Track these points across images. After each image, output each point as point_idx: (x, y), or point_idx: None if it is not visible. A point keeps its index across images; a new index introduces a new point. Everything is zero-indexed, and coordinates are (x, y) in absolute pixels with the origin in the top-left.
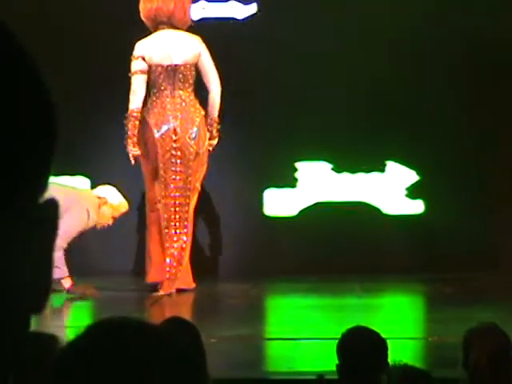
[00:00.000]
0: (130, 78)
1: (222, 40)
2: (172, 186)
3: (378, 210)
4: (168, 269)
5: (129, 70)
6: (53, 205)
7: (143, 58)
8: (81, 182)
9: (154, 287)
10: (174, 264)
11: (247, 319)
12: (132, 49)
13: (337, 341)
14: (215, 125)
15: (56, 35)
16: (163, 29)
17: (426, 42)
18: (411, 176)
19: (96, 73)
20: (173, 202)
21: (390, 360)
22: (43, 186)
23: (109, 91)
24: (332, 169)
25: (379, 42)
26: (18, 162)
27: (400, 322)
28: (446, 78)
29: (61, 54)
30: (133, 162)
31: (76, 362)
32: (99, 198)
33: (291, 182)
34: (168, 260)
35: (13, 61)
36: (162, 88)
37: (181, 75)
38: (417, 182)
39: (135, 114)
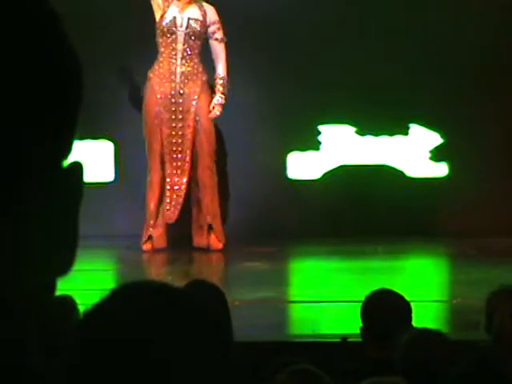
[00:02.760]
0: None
1: None
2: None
3: (401, 172)
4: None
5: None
6: (78, 167)
7: None
8: (104, 146)
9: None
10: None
11: (271, 282)
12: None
13: (361, 303)
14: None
15: None
16: None
17: (451, 4)
18: (435, 138)
19: (120, 33)
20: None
21: (413, 323)
22: (68, 148)
23: (134, 52)
24: (355, 132)
25: (402, 4)
26: (41, 123)
27: (423, 284)
28: (472, 40)
29: (79, 16)
30: None
31: (103, 325)
32: None
33: (315, 145)
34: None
35: (41, 20)
36: None
37: None
38: (440, 144)
39: None
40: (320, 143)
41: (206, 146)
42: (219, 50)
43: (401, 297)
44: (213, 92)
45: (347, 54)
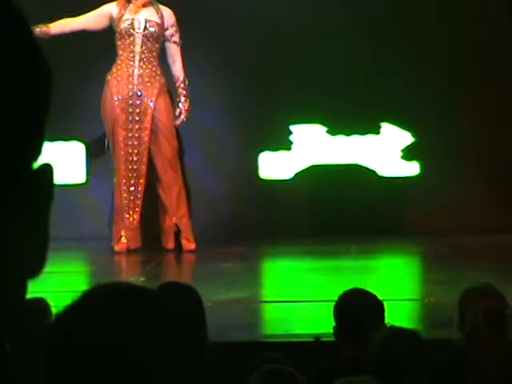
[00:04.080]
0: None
1: None
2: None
3: (373, 172)
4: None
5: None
6: (48, 169)
7: None
8: (75, 147)
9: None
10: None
11: (243, 282)
12: None
13: (333, 303)
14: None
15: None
16: None
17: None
18: (406, 138)
19: (89, 34)
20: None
21: (386, 322)
22: (38, 150)
23: (106, 52)
24: (327, 131)
25: (374, 2)
26: (10, 124)
27: (396, 283)
28: (442, 37)
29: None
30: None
31: (75, 328)
32: None
33: (286, 145)
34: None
35: (9, 21)
36: None
37: None
38: (412, 143)
39: None
40: (291, 143)
41: (167, 148)
42: (177, 53)
43: (373, 296)
44: (171, 95)
45: (318, 53)
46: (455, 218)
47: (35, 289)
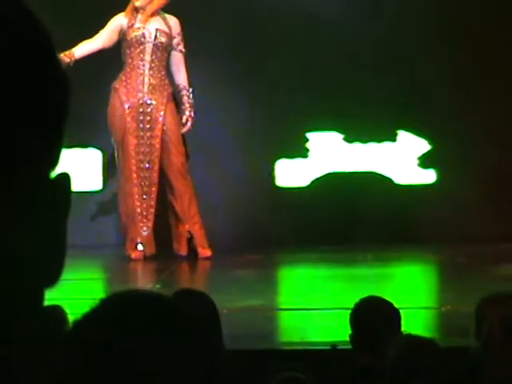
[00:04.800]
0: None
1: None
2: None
3: (389, 179)
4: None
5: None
6: (66, 179)
7: None
8: (92, 154)
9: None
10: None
11: (259, 290)
12: None
13: (350, 311)
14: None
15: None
16: None
17: (439, 11)
18: (423, 145)
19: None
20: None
21: (403, 330)
22: (55, 159)
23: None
24: (343, 139)
25: (392, 10)
26: (28, 133)
27: (412, 291)
28: (461, 46)
29: (73, 20)
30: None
31: (93, 335)
32: None
33: (303, 153)
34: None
35: (25, 30)
36: None
37: None
38: (428, 151)
39: None
40: (308, 150)
41: (176, 156)
42: (181, 62)
43: (390, 304)
44: (177, 103)
45: (335, 60)
46: (472, 225)
47: (51, 296)
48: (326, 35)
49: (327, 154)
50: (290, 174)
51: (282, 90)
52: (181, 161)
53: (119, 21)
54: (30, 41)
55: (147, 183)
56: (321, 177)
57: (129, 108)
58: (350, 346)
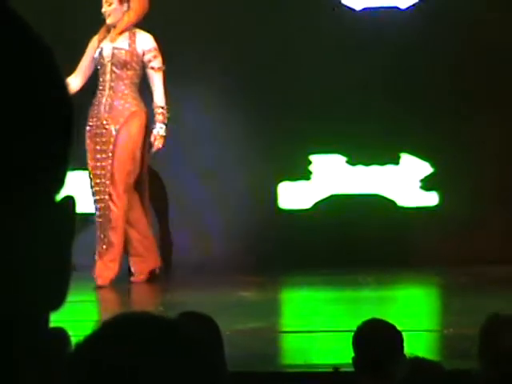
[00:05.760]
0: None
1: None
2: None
3: (392, 202)
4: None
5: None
6: (71, 202)
7: None
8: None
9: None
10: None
11: (261, 312)
12: None
13: (352, 333)
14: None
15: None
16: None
17: (438, 35)
18: (425, 168)
19: None
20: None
21: (405, 352)
22: (60, 182)
23: None
24: (346, 161)
25: (392, 36)
26: (32, 155)
27: (415, 314)
28: (462, 69)
29: (73, 38)
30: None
31: (96, 356)
32: None
33: (305, 175)
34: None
35: (28, 52)
36: None
37: None
38: (431, 173)
39: None
40: (311, 173)
41: (120, 174)
42: (155, 79)
43: (393, 326)
44: (146, 121)
45: (337, 82)
46: (474, 247)
47: (53, 318)
48: (332, 60)
49: (330, 176)
50: (293, 196)
51: (285, 113)
52: (121, 179)
53: (92, 45)
54: (31, 58)
55: (103, 205)
56: (323, 199)
57: (89, 131)
58: (352, 369)
